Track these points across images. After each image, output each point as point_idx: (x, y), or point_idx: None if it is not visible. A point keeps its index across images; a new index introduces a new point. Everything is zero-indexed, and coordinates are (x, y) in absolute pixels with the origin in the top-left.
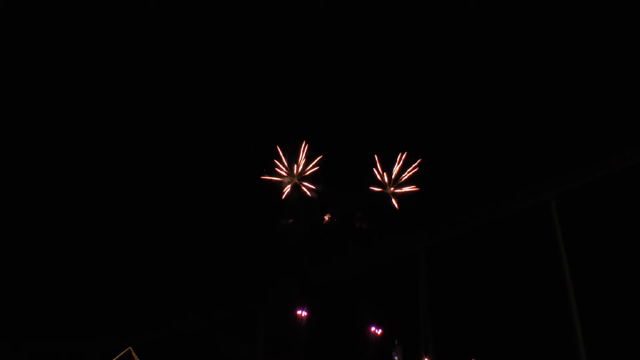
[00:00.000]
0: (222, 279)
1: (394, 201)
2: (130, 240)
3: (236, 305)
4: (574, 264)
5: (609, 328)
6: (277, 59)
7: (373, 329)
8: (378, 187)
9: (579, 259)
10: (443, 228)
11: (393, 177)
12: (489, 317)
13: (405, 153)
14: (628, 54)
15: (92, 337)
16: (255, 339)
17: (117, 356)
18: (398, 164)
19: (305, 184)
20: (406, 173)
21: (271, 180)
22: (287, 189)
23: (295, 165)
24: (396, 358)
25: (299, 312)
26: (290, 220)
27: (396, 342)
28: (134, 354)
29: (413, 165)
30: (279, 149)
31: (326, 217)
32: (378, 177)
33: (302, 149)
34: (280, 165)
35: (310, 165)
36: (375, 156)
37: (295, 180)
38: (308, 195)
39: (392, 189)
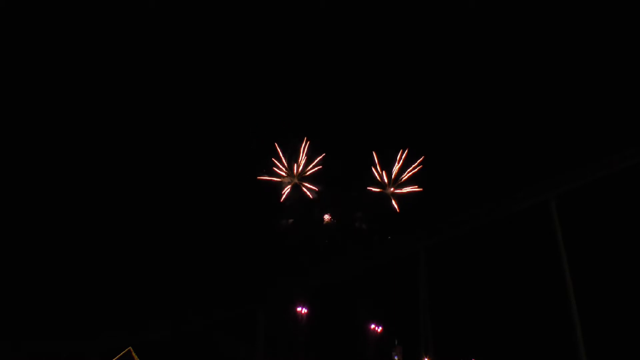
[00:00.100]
0: (222, 279)
1: (394, 202)
2: (130, 240)
3: (236, 305)
4: (574, 264)
5: (609, 328)
6: (277, 59)
7: (373, 326)
8: (378, 188)
9: (579, 259)
10: (443, 228)
11: (393, 177)
12: (489, 317)
13: (405, 153)
14: (628, 54)
15: (92, 337)
16: (255, 339)
17: (117, 356)
18: (398, 163)
19: (306, 184)
20: (406, 173)
21: (271, 180)
22: (287, 189)
23: (296, 165)
24: (396, 358)
25: (299, 311)
26: (290, 220)
27: (396, 342)
28: (134, 354)
29: (413, 166)
30: (278, 149)
31: (326, 217)
32: (378, 177)
33: (302, 148)
34: (280, 165)
35: (311, 166)
36: (375, 156)
37: (295, 180)
38: (308, 196)
39: (392, 189)
